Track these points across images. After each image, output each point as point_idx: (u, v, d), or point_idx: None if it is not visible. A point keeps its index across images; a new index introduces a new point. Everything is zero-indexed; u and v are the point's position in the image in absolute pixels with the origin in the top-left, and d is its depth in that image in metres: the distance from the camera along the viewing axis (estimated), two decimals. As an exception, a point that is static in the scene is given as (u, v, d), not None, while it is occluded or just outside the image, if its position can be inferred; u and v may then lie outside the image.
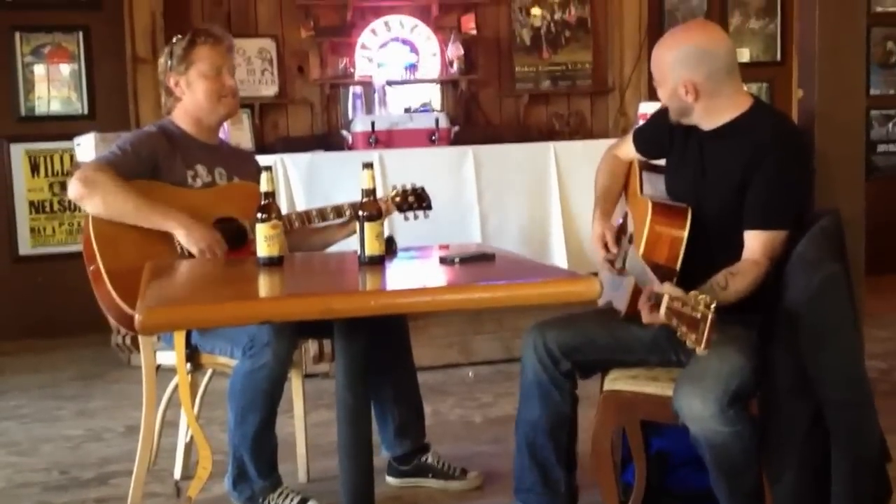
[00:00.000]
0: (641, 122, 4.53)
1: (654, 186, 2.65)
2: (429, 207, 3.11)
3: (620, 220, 2.71)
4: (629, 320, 2.43)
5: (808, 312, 2.16)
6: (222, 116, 3.01)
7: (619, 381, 2.46)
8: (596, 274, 2.14)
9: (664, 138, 2.60)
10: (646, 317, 2.20)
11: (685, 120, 2.48)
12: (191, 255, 2.74)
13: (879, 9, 6.63)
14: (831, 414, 2.19)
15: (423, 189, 3.11)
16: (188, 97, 2.94)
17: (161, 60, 3.00)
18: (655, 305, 2.11)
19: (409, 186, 3.10)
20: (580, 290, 1.92)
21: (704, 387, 2.15)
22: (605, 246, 2.61)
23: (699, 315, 1.98)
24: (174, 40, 2.98)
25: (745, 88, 2.50)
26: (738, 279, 2.25)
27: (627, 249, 2.52)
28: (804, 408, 2.21)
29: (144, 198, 2.74)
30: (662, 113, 2.56)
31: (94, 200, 2.72)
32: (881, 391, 3.58)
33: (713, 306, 1.96)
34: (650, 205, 2.43)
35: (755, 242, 2.33)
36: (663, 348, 2.46)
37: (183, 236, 2.73)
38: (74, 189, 2.74)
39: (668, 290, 2.08)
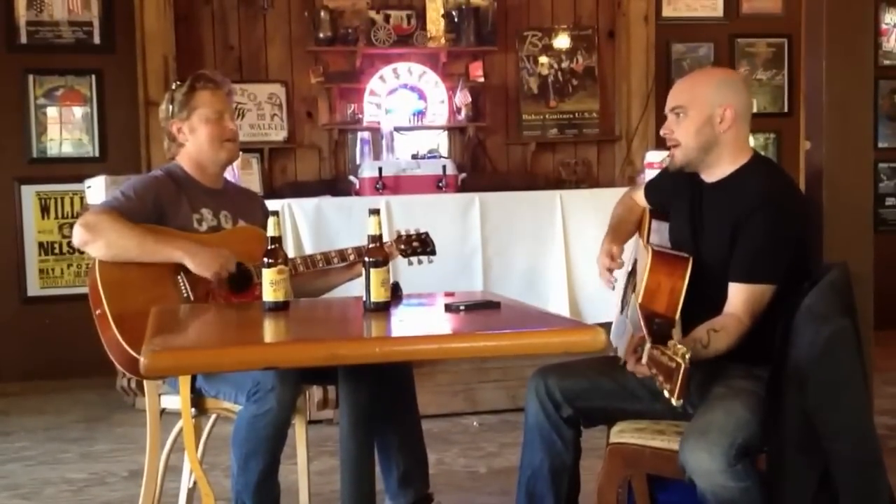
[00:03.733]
0: (648, 171, 4.58)
1: (662, 235, 2.67)
2: (433, 253, 3.11)
3: (630, 267, 2.72)
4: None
5: (816, 367, 2.15)
6: (224, 161, 3.02)
7: (625, 434, 2.44)
8: (601, 325, 2.13)
9: (670, 191, 2.63)
10: (630, 366, 2.21)
11: (697, 162, 2.46)
12: (196, 299, 2.75)
13: (887, 62, 6.69)
14: (839, 471, 2.17)
15: (427, 234, 3.12)
16: (191, 142, 2.96)
17: (162, 107, 3.02)
18: (638, 355, 2.12)
19: (413, 231, 3.11)
20: (586, 339, 1.91)
21: (710, 440, 2.13)
22: (611, 256, 2.60)
23: (674, 364, 1.96)
24: (174, 87, 3.02)
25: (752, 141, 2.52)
26: (720, 337, 2.24)
27: (631, 295, 2.53)
28: (813, 464, 2.19)
29: (149, 233, 2.75)
30: (670, 170, 2.58)
31: (98, 244, 2.73)
32: (890, 448, 3.56)
33: (688, 356, 1.94)
34: (651, 253, 2.45)
35: (738, 296, 2.33)
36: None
37: (192, 263, 2.73)
38: (78, 235, 2.76)
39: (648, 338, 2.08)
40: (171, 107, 2.97)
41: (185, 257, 2.73)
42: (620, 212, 2.82)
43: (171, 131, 2.98)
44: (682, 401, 1.95)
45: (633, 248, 2.81)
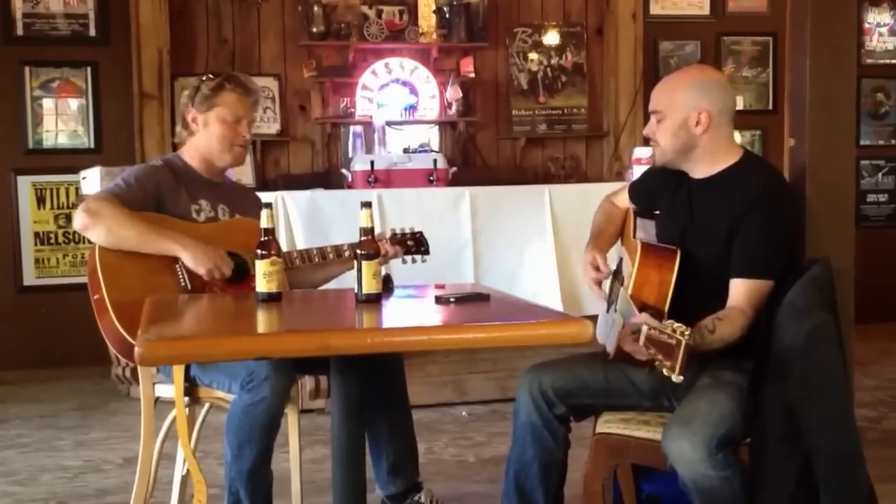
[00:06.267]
0: (636, 167, 4.63)
1: (647, 232, 2.70)
2: (427, 252, 3.14)
3: (615, 267, 2.76)
4: (619, 361, 2.44)
5: (798, 360, 2.19)
6: (228, 164, 3.05)
7: (610, 424, 2.47)
8: (589, 317, 2.17)
9: (657, 190, 2.66)
10: (628, 346, 2.22)
11: (678, 162, 2.50)
12: (193, 289, 2.79)
13: (869, 60, 6.75)
14: (820, 462, 2.20)
15: (421, 234, 3.15)
16: (202, 135, 2.99)
17: (186, 92, 3.04)
18: (636, 336, 2.14)
19: (408, 230, 3.14)
20: (573, 332, 1.93)
21: (693, 430, 2.16)
22: (596, 267, 2.65)
23: (674, 342, 1.99)
24: (205, 78, 3.02)
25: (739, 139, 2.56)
26: (724, 325, 2.26)
27: (619, 292, 2.57)
28: (794, 456, 2.22)
29: (149, 224, 2.79)
30: (656, 167, 2.62)
31: (99, 229, 2.76)
32: (870, 440, 3.61)
33: (687, 333, 1.98)
34: (640, 246, 2.48)
35: (740, 291, 2.35)
36: (656, 393, 2.48)
37: (188, 258, 2.76)
38: (79, 219, 2.78)
39: (645, 319, 2.11)
40: (194, 95, 2.99)
41: (182, 251, 2.76)
42: (600, 220, 2.85)
43: (186, 118, 3.00)
44: (682, 377, 1.98)
45: (616, 248, 2.86)
